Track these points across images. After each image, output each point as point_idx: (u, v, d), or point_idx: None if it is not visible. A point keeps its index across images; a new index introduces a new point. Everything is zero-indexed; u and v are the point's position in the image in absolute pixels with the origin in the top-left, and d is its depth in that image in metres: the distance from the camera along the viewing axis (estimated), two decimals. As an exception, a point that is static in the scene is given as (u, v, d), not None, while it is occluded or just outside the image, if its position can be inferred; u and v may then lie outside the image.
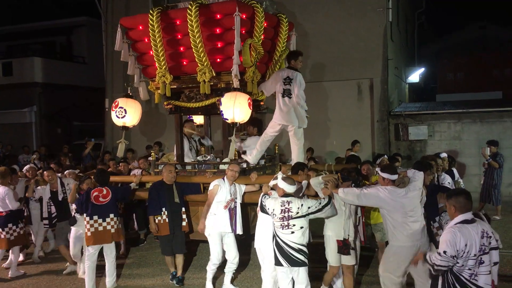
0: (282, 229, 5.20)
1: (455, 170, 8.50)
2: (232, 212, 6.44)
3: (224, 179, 6.48)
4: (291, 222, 5.16)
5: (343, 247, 5.54)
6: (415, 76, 19.59)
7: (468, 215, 4.08)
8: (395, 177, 5.28)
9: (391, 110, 13.43)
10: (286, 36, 7.98)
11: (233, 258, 6.50)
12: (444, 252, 3.94)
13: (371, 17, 13.13)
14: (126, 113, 7.44)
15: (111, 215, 6.64)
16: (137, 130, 15.07)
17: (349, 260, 5.72)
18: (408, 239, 5.11)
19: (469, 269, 3.97)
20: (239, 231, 6.50)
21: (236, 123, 6.75)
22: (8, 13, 23.33)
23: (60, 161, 10.95)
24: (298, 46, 13.09)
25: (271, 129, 7.40)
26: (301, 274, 5.28)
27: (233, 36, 6.76)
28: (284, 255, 5.21)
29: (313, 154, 11.76)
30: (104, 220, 6.59)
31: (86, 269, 6.70)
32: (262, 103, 8.26)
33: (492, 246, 4.05)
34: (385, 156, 8.01)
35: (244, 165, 7.43)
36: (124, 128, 7.61)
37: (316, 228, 6.22)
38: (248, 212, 7.44)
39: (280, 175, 5.83)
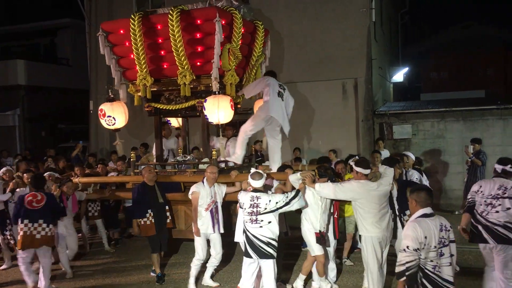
0: (251, 223, 5.50)
1: (424, 175, 8.37)
2: (214, 213, 6.66)
3: (203, 182, 6.67)
4: (259, 217, 5.47)
5: (321, 238, 5.97)
6: (399, 75, 19.79)
7: (428, 210, 4.24)
8: (368, 171, 5.67)
9: (376, 110, 13.53)
10: (262, 42, 8.30)
11: (216, 253, 6.79)
12: (407, 247, 4.08)
13: (354, 18, 13.23)
14: (116, 120, 7.83)
15: (40, 221, 6.47)
16: (124, 131, 15.03)
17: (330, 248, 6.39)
18: (377, 229, 5.51)
19: (431, 261, 4.12)
20: (221, 229, 6.76)
21: (222, 124, 7.19)
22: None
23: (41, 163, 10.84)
24: (283, 47, 13.30)
25: (255, 125, 7.59)
26: (269, 266, 5.53)
27: (212, 40, 7.06)
28: (253, 247, 5.49)
29: (300, 154, 11.82)
30: (33, 225, 6.45)
31: (22, 272, 6.71)
32: (239, 106, 8.51)
33: (451, 239, 4.23)
34: (357, 156, 8.29)
35: (223, 165, 7.75)
36: (116, 130, 8.05)
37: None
38: (234, 209, 7.59)
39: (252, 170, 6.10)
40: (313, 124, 13.35)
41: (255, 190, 5.59)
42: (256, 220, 5.46)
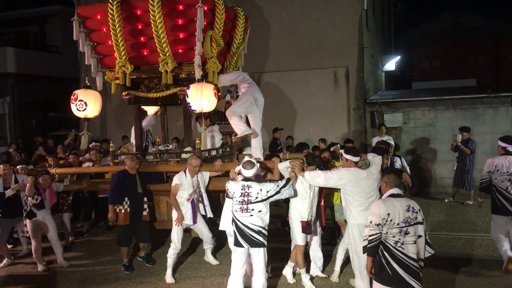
0: (242, 212, 5.50)
1: (403, 160, 9.13)
2: (196, 204, 6.66)
3: (185, 172, 6.62)
4: (250, 206, 5.47)
5: (307, 227, 5.98)
6: (391, 64, 19.79)
7: (395, 190, 4.63)
8: (357, 159, 5.69)
9: (367, 98, 13.55)
10: (243, 29, 8.18)
11: (207, 238, 6.99)
12: (371, 222, 4.51)
13: (346, 6, 13.21)
14: (87, 106, 7.42)
15: None
16: (112, 121, 14.98)
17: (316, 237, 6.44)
18: (363, 217, 5.34)
19: (394, 237, 4.47)
20: (210, 214, 6.87)
21: (206, 113, 7.04)
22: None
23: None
24: (274, 35, 13.25)
25: (241, 107, 7.56)
26: (260, 254, 5.55)
27: (195, 27, 6.90)
28: (244, 236, 5.49)
29: (292, 142, 11.87)
30: None
31: None
32: (219, 93, 8.27)
33: (418, 221, 4.53)
34: (338, 145, 8.47)
35: (207, 155, 7.70)
36: (86, 119, 7.61)
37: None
38: (219, 197, 7.75)
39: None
40: (304, 112, 13.36)
41: (246, 179, 5.58)
42: (247, 209, 5.46)
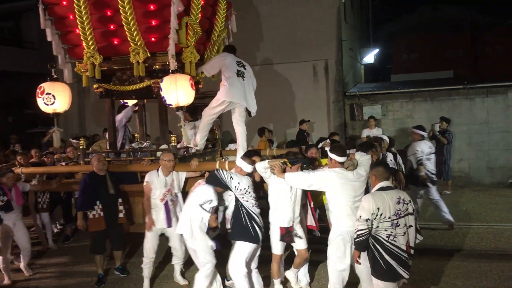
0: (257, 207, 5.44)
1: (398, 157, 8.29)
2: (170, 205, 6.08)
3: (158, 171, 6.12)
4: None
5: (286, 235, 5.39)
6: (370, 57, 19.95)
7: (385, 183, 4.55)
8: (343, 159, 5.08)
9: (346, 91, 13.65)
10: (224, 15, 7.51)
11: (176, 251, 6.25)
12: (360, 216, 4.44)
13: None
14: (55, 99, 6.78)
15: None
16: (91, 116, 14.81)
17: (302, 244, 5.62)
18: (349, 221, 4.90)
19: (386, 230, 4.43)
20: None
21: (182, 107, 6.34)
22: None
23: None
24: (253, 28, 13.22)
25: (215, 109, 6.78)
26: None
27: (169, 13, 6.29)
28: (262, 232, 5.43)
29: (272, 136, 11.87)
30: None
31: None
32: (200, 86, 7.79)
33: (408, 212, 4.50)
34: (327, 140, 7.78)
35: (185, 152, 7.11)
36: (55, 115, 6.96)
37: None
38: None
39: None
40: (284, 105, 13.38)
41: (248, 174, 5.49)
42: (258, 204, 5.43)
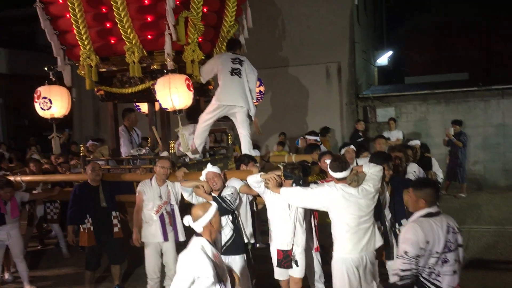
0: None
1: (433, 159, 7.65)
2: (166, 217, 5.61)
3: (151, 180, 5.65)
4: None
5: (283, 259, 4.74)
6: (383, 59, 19.86)
7: (433, 208, 3.57)
8: (342, 175, 4.38)
9: (359, 93, 13.59)
10: (234, 9, 6.86)
11: (169, 269, 5.69)
12: (405, 252, 3.41)
13: (337, 1, 13.22)
14: (52, 103, 6.36)
15: None
16: (105, 119, 14.89)
17: (297, 272, 4.85)
18: (354, 249, 4.33)
19: (429, 268, 3.47)
20: (181, 237, 5.66)
21: (181, 110, 5.77)
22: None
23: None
24: (265, 31, 13.23)
25: (210, 114, 6.29)
26: None
27: (164, 8, 5.79)
28: None
29: (286, 139, 11.86)
30: None
31: None
32: (211, 87, 7.17)
33: (458, 244, 3.58)
34: (351, 146, 6.68)
35: (187, 159, 6.53)
36: (54, 120, 6.55)
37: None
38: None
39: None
40: (297, 108, 13.36)
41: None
42: None
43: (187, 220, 3.54)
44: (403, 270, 3.40)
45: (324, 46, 13.23)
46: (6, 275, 7.21)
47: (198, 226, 3.46)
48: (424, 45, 28.00)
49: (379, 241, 4.54)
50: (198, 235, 3.48)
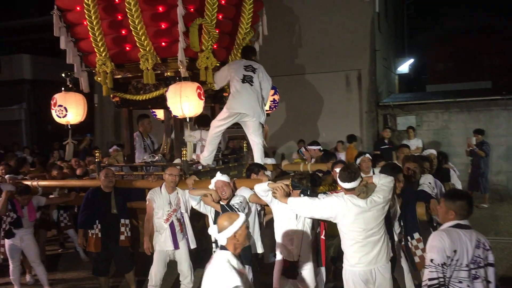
0: None
1: (451, 171, 7.50)
2: (176, 225, 5.57)
3: (160, 188, 5.67)
4: None
5: (289, 269, 4.66)
6: (404, 67, 19.66)
7: (465, 222, 3.46)
8: (350, 185, 4.25)
9: (380, 101, 13.48)
10: (250, 16, 6.82)
11: (184, 277, 5.67)
12: (431, 260, 3.31)
13: (358, 9, 13.14)
14: (67, 111, 6.41)
15: None
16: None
17: (301, 284, 4.76)
18: (362, 262, 4.22)
19: (460, 282, 3.30)
20: (192, 245, 5.67)
21: (191, 118, 5.84)
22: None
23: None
24: (285, 38, 13.23)
25: (222, 121, 6.22)
26: None
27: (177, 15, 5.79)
28: None
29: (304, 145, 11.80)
30: None
31: None
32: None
33: (489, 262, 3.42)
34: (367, 154, 6.52)
35: (200, 167, 6.51)
36: (70, 126, 6.62)
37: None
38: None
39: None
40: (316, 116, 13.30)
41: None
42: None
43: (213, 230, 3.41)
44: (430, 279, 3.29)
45: (344, 54, 13.16)
46: (27, 278, 7.36)
47: (222, 238, 3.31)
48: (445, 53, 27.72)
49: (392, 253, 4.44)
50: (223, 248, 3.33)
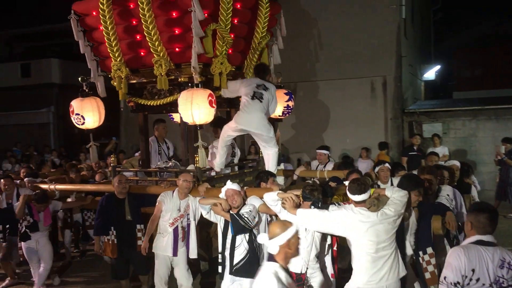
0: None
1: (473, 187, 7.10)
2: (180, 232, 5.58)
3: (173, 192, 5.68)
4: None
5: (296, 282, 4.37)
6: (431, 73, 19.44)
7: (486, 237, 3.24)
8: (360, 198, 4.13)
9: (405, 108, 13.33)
10: (266, 20, 6.72)
11: (179, 285, 5.68)
12: (444, 278, 3.16)
13: (384, 14, 13.04)
14: (85, 119, 6.50)
15: None
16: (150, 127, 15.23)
17: None
18: (373, 280, 4.02)
19: None
20: (193, 254, 5.64)
21: (201, 125, 5.81)
22: (25, 15, 23.68)
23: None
24: (310, 43, 13.20)
25: (230, 131, 6.24)
26: None
27: (191, 20, 5.72)
28: None
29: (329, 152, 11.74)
30: None
31: None
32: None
33: None
34: (386, 164, 6.35)
35: (213, 173, 6.51)
36: (89, 130, 6.70)
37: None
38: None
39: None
40: (340, 122, 13.23)
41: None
42: None
43: (263, 238, 3.26)
44: None
45: (369, 60, 13.07)
46: (56, 280, 7.34)
47: (273, 246, 3.13)
48: (473, 60, 27.25)
49: (403, 270, 4.20)
50: (271, 260, 3.16)
